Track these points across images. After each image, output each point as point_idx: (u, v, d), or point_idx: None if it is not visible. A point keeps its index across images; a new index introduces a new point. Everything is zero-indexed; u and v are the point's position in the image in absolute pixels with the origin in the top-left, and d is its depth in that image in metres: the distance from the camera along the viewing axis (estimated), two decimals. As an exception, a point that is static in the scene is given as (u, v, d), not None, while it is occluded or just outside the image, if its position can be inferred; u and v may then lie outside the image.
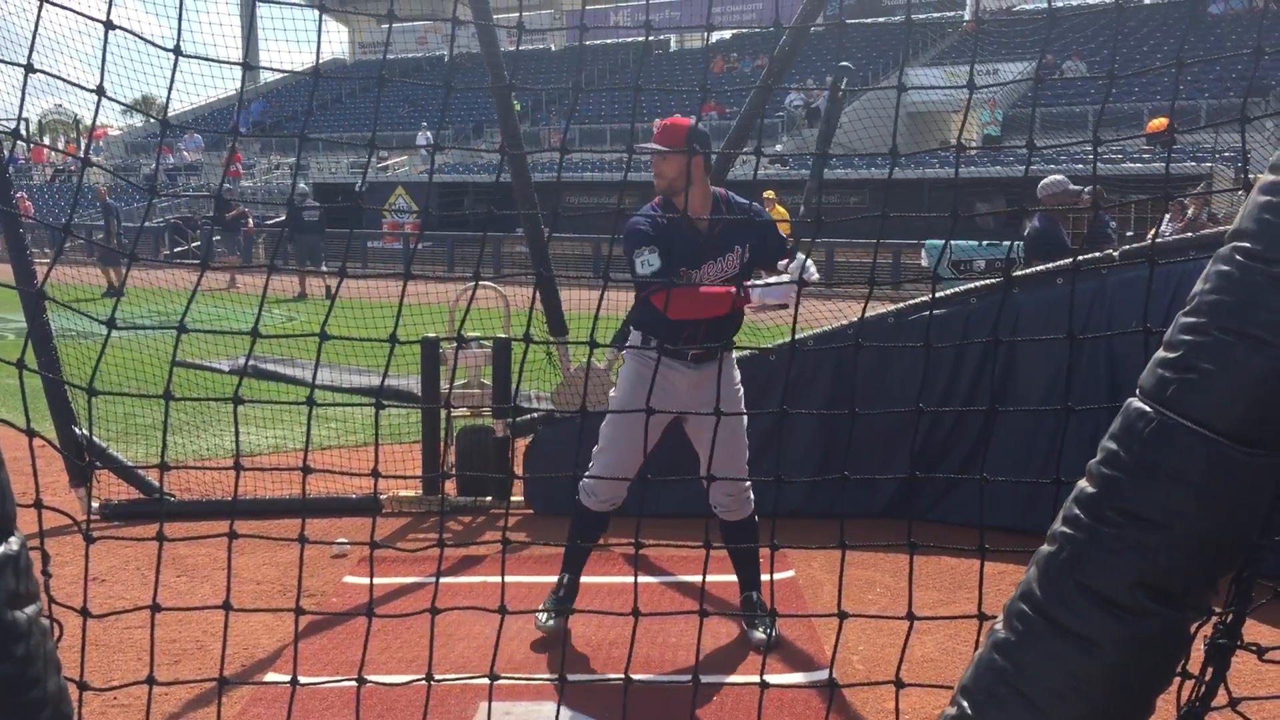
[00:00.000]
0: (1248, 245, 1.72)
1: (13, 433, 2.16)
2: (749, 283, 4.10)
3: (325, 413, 8.85)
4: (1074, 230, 7.29)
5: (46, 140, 35.63)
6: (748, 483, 4.36)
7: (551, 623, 4.40)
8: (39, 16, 2.02)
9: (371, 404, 2.53)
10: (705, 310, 4.07)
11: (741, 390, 4.42)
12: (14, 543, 1.73)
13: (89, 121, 38.13)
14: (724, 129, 23.59)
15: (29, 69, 2.02)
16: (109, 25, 2.14)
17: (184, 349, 2.71)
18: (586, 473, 4.34)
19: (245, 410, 2.48)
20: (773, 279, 4.19)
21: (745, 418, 4.32)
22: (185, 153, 35.51)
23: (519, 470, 6.33)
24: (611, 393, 4.60)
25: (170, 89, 2.25)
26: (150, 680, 2.29)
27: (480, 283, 2.96)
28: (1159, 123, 20.61)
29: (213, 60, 2.47)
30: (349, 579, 5.17)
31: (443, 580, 3.03)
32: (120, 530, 5.71)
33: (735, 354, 4.44)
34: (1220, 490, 1.73)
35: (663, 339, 4.17)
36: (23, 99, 1.95)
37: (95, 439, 6.00)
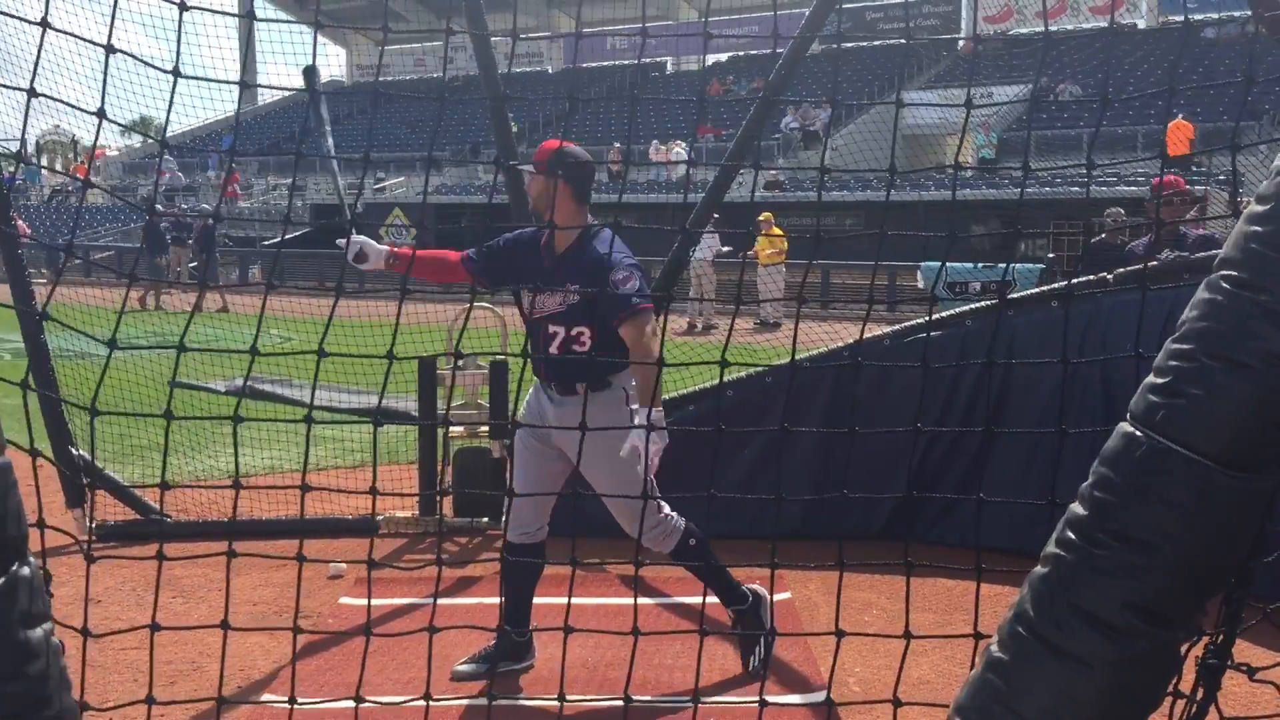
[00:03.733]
0: (1235, 273, 1.75)
1: (11, 451, 2.17)
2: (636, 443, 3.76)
3: (321, 433, 8.86)
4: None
5: (45, 160, 35.69)
6: (664, 515, 4.18)
7: (466, 668, 4.28)
8: (42, 41, 2.05)
9: (367, 422, 2.54)
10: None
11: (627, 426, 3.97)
12: (27, 564, 1.75)
13: (87, 142, 38.20)
14: (720, 151, 23.67)
15: (31, 93, 2.05)
16: (110, 49, 2.16)
17: (182, 371, 2.72)
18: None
19: (241, 431, 2.49)
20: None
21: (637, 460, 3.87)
22: (180, 173, 35.57)
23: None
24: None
25: (169, 111, 2.28)
26: (149, 700, 2.30)
27: (477, 303, 2.99)
28: (1178, 126, 20.74)
29: (213, 80, 2.50)
30: (345, 600, 5.17)
31: (439, 601, 3.04)
32: (115, 551, 5.70)
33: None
34: (1209, 513, 1.75)
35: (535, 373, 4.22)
36: (25, 123, 1.98)
37: (91, 459, 6.00)
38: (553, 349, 4.05)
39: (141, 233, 22.59)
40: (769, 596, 4.22)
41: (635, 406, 4.02)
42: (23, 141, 2.28)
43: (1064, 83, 28.13)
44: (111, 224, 34.59)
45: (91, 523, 5.96)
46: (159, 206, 27.14)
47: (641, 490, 3.50)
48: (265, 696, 4.07)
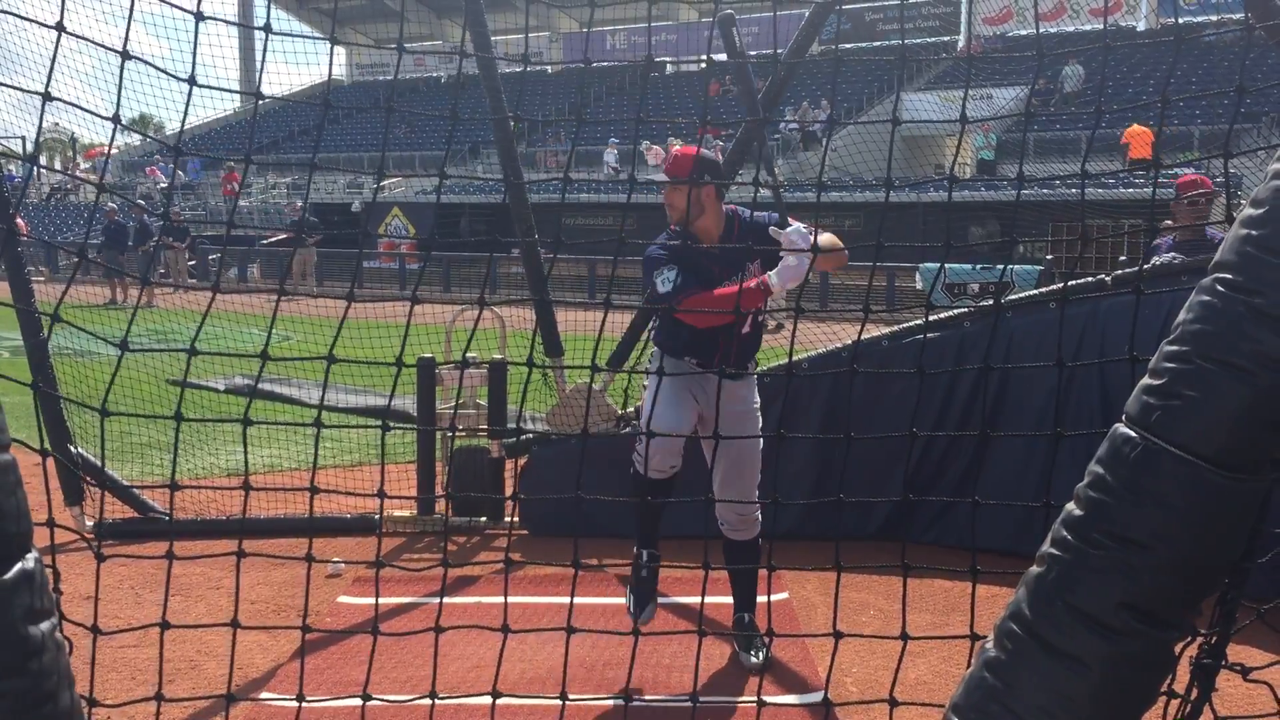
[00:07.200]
0: (1229, 276, 1.78)
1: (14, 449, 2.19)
2: (764, 276, 4.03)
3: (321, 431, 8.84)
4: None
5: (44, 158, 35.70)
6: (757, 503, 4.41)
7: (644, 615, 4.36)
8: (58, 45, 2.07)
9: (375, 425, 2.55)
10: (725, 313, 4.01)
11: (759, 414, 4.49)
12: (31, 560, 1.76)
13: (85, 140, 38.13)
14: (721, 151, 23.66)
15: (47, 96, 2.07)
16: (125, 55, 2.18)
17: (177, 369, 2.73)
18: (638, 446, 4.31)
19: (240, 429, 2.51)
20: (782, 265, 4.03)
21: (760, 442, 4.40)
22: (182, 173, 35.57)
23: (509, 490, 6.35)
24: (643, 393, 4.60)
25: (184, 118, 2.31)
26: (159, 697, 2.32)
27: (477, 305, 3.00)
28: (1140, 137, 20.80)
29: (225, 89, 2.53)
30: (344, 599, 5.19)
31: (439, 600, 3.07)
32: (113, 549, 5.71)
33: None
34: (1203, 514, 1.77)
35: (696, 356, 4.25)
36: (40, 124, 2.00)
37: (90, 458, 6.01)
38: (745, 329, 4.30)
39: (102, 230, 23.04)
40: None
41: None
42: (36, 143, 2.30)
43: (1068, 64, 28.00)
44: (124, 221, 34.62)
45: (95, 520, 5.97)
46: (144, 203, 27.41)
47: (756, 474, 4.36)
48: (264, 695, 4.08)
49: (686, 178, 4.09)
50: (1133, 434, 1.84)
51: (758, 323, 4.40)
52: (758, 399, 4.50)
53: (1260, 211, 1.78)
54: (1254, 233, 1.77)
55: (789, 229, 4.08)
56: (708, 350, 4.25)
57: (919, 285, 20.21)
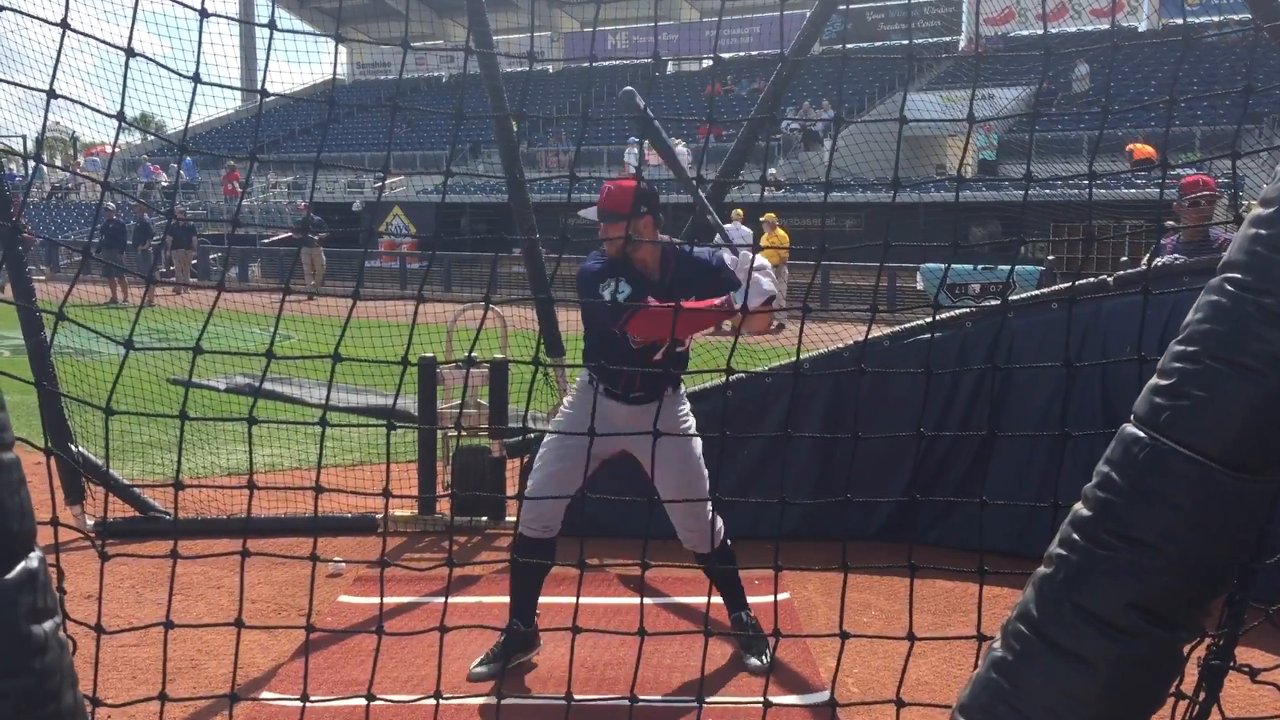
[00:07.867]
0: (1238, 276, 1.77)
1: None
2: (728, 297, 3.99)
3: (319, 430, 8.82)
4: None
5: (45, 156, 35.65)
6: (710, 513, 4.28)
7: (483, 669, 4.28)
8: (62, 42, 2.07)
9: (380, 425, 2.55)
10: (679, 329, 3.99)
11: (692, 422, 4.37)
12: (34, 559, 1.76)
13: (85, 138, 38.08)
14: (722, 150, 23.73)
15: (51, 94, 2.06)
16: (130, 53, 2.18)
17: (178, 367, 2.72)
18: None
19: (240, 428, 2.51)
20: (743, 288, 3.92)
21: (698, 448, 4.29)
22: (184, 173, 35.59)
23: (511, 490, 6.35)
24: (558, 417, 4.58)
25: (189, 116, 2.30)
26: (162, 697, 2.31)
27: (481, 304, 2.99)
28: (1144, 149, 20.83)
29: (230, 87, 2.52)
30: (344, 598, 5.18)
31: (440, 600, 3.05)
32: (115, 548, 5.69)
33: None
34: (1212, 514, 1.77)
35: (604, 383, 4.17)
36: (45, 123, 2.00)
37: (92, 457, 6.00)
38: (656, 357, 4.15)
39: (100, 229, 23.35)
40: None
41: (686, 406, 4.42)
42: (39, 141, 2.30)
43: (1077, 64, 28.00)
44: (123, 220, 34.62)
45: (95, 519, 5.96)
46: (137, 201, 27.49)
47: (700, 486, 4.16)
48: (265, 694, 4.07)
49: (626, 212, 3.93)
50: (1141, 434, 1.84)
51: (676, 352, 4.26)
52: (684, 412, 4.37)
53: (1270, 211, 1.78)
54: (1263, 232, 1.77)
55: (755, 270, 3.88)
56: (613, 377, 4.16)
57: (920, 286, 20.21)
